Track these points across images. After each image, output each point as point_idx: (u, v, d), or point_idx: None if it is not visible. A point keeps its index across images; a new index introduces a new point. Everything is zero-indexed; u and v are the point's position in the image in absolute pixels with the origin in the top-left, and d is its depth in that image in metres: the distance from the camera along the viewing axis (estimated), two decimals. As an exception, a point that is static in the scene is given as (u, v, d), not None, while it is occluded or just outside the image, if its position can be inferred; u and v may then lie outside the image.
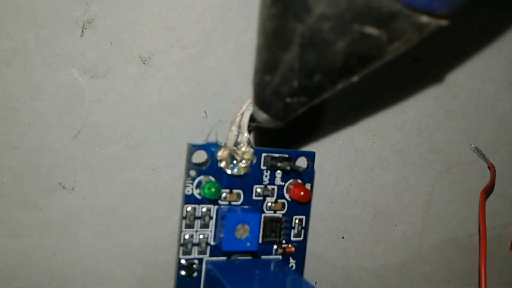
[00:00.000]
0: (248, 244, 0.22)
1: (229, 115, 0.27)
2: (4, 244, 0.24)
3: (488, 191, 0.32)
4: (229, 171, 0.23)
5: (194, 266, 0.23)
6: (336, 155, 0.30)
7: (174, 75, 0.26)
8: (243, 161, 0.23)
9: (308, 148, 0.29)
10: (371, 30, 0.14)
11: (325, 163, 0.30)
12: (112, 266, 0.26)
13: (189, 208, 0.23)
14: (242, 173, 0.23)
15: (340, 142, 0.30)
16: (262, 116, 0.21)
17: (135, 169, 0.26)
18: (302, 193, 0.24)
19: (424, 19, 0.14)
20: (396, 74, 0.31)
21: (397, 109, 0.31)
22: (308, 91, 0.18)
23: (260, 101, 0.21)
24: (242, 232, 0.22)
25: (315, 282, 0.30)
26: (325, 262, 0.31)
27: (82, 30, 0.24)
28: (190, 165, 0.22)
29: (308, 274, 0.30)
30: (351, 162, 0.30)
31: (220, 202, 0.23)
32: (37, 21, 0.23)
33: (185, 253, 0.23)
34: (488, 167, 0.33)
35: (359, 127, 0.30)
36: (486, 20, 0.33)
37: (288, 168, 0.23)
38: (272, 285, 0.21)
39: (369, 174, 0.31)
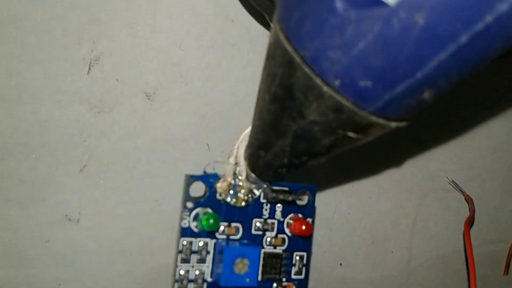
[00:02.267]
0: (248, 280, 0.21)
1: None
2: (11, 274, 0.25)
3: (470, 222, 0.32)
4: (228, 199, 0.22)
5: None
6: (335, 183, 0.31)
7: (178, 109, 0.27)
8: (242, 192, 0.23)
9: (307, 176, 0.30)
10: (351, 134, 0.17)
11: (324, 191, 0.30)
12: (116, 295, 0.26)
13: (185, 242, 0.22)
14: (240, 204, 0.22)
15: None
16: (252, 176, 0.23)
17: (139, 201, 0.26)
18: (303, 227, 0.23)
19: (394, 124, 0.17)
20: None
21: (391, 138, 0.32)
22: (296, 165, 0.20)
23: (252, 167, 0.22)
24: (241, 266, 0.21)
25: (314, 308, 0.31)
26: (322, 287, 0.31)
27: (89, 68, 0.25)
28: (187, 197, 0.22)
29: (307, 300, 0.31)
30: (349, 191, 0.31)
31: (218, 236, 0.22)
32: (45, 58, 0.24)
33: None
34: (466, 200, 0.34)
35: (355, 156, 0.31)
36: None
37: (290, 199, 0.23)
38: None
39: (367, 202, 0.32)
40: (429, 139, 0.33)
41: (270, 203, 0.23)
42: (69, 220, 0.25)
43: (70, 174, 0.25)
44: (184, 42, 0.26)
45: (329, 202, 0.31)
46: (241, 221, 0.23)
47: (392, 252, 0.33)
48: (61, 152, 0.25)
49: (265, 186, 0.23)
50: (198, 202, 0.22)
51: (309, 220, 0.24)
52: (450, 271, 0.35)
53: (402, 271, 0.33)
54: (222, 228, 0.22)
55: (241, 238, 0.22)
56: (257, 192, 0.23)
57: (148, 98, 0.26)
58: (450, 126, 0.33)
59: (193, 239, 0.22)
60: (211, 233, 0.22)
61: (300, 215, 0.24)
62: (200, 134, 0.27)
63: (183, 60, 0.26)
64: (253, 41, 0.27)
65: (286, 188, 0.23)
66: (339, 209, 0.31)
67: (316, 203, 0.30)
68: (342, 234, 0.31)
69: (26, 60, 0.24)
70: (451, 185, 0.33)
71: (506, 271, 0.37)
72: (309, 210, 0.24)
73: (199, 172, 0.25)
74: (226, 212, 0.22)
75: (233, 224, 0.22)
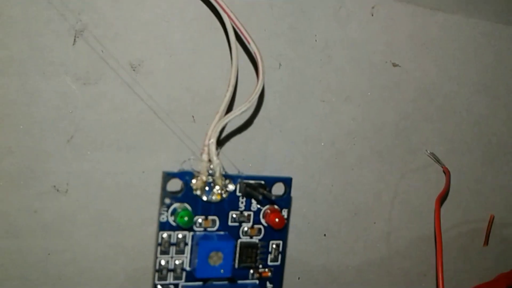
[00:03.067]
0: (222, 271, 0.22)
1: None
2: (0, 245, 0.25)
3: (443, 196, 0.33)
4: (204, 198, 0.23)
5: None
6: (318, 156, 0.31)
7: (163, 81, 0.27)
8: (217, 188, 0.23)
9: (292, 150, 0.30)
10: None
11: (308, 164, 0.31)
12: (105, 265, 0.27)
13: (164, 235, 0.23)
14: (217, 199, 0.23)
15: (322, 144, 0.31)
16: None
17: (126, 172, 0.27)
18: (276, 219, 0.24)
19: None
20: (376, 78, 0.32)
21: (376, 112, 0.33)
22: None
23: None
24: (216, 259, 0.22)
25: (298, 278, 0.32)
26: (308, 258, 0.32)
27: (74, 39, 0.25)
28: (164, 193, 0.23)
29: (291, 270, 0.32)
30: (332, 163, 0.32)
31: (195, 228, 0.23)
32: (31, 31, 0.24)
33: (160, 278, 0.23)
34: (444, 171, 0.35)
35: (340, 129, 0.32)
36: (462, 26, 0.34)
37: (261, 197, 0.24)
38: None
39: (350, 174, 0.32)
40: (411, 112, 0.34)
41: (245, 195, 0.24)
42: (58, 190, 0.26)
43: (57, 145, 0.25)
44: (168, 14, 0.27)
45: (313, 174, 0.31)
46: (218, 214, 0.23)
47: (375, 223, 0.34)
48: (48, 124, 0.25)
49: (240, 179, 0.23)
50: (175, 198, 0.23)
51: (285, 211, 0.24)
52: (429, 242, 0.36)
53: (383, 241, 0.34)
54: (199, 221, 0.23)
55: (218, 230, 0.23)
56: (231, 187, 0.23)
57: (134, 70, 0.26)
58: (432, 100, 0.34)
59: (171, 232, 0.23)
60: (187, 228, 0.23)
61: (276, 206, 0.24)
62: (185, 106, 0.27)
63: (168, 32, 0.27)
64: (238, 13, 0.28)
65: (262, 182, 0.24)
66: (323, 181, 0.32)
67: (300, 176, 0.31)
68: (326, 205, 0.32)
69: (11, 33, 0.24)
70: (430, 157, 0.34)
71: (486, 242, 0.38)
72: (285, 201, 0.24)
73: (187, 143, 0.25)
74: (202, 206, 0.23)
75: (210, 217, 0.23)
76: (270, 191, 0.24)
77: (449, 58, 0.34)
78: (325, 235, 0.32)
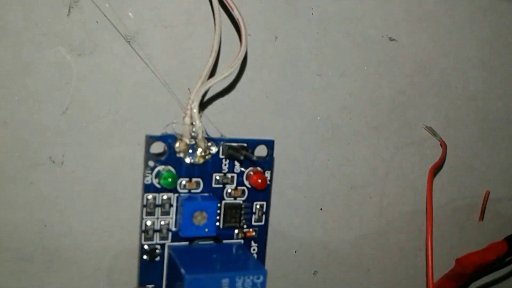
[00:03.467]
0: (206, 230, 0.23)
1: (211, 93, 0.28)
2: (-4, 216, 0.25)
3: (437, 168, 0.33)
4: (187, 160, 0.23)
5: (157, 251, 0.23)
6: (315, 131, 0.31)
7: (158, 53, 0.27)
8: (200, 150, 0.24)
9: (288, 124, 0.30)
10: None
11: (304, 138, 0.31)
12: (101, 237, 0.27)
13: (149, 197, 0.23)
14: (200, 162, 0.24)
15: (318, 118, 0.31)
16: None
17: (122, 144, 0.27)
18: (259, 180, 0.24)
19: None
20: (372, 53, 0.32)
21: (372, 86, 0.33)
22: None
23: None
24: (200, 219, 0.23)
25: (295, 251, 0.32)
26: (304, 233, 0.32)
27: (69, 10, 0.25)
28: (148, 156, 0.23)
29: (288, 244, 0.32)
30: (328, 137, 0.32)
31: (180, 190, 0.24)
32: (25, 1, 0.24)
33: (147, 239, 0.23)
34: (440, 145, 0.35)
35: (336, 103, 0.32)
36: (459, 0, 0.34)
37: (242, 157, 0.24)
38: (225, 267, 0.22)
39: (346, 149, 0.32)
40: (407, 87, 0.34)
41: (228, 158, 0.24)
42: (53, 162, 0.26)
43: (52, 117, 0.25)
44: (163, -15, 0.26)
45: (309, 149, 0.31)
46: (201, 176, 0.24)
47: (371, 197, 0.34)
48: (43, 95, 0.25)
49: (222, 142, 0.24)
50: (159, 161, 0.23)
51: (268, 173, 0.25)
52: (425, 217, 0.36)
53: (379, 216, 0.34)
54: (183, 183, 0.23)
55: (202, 192, 0.24)
56: (214, 149, 0.24)
57: (128, 42, 0.26)
58: (428, 75, 0.34)
59: (156, 194, 0.23)
60: (172, 189, 0.23)
61: (259, 168, 0.25)
62: (180, 78, 0.27)
63: (162, 4, 0.26)
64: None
65: (244, 144, 0.24)
66: (319, 156, 0.32)
67: (296, 150, 0.31)
68: (322, 180, 0.32)
69: (5, 3, 0.24)
70: (427, 131, 0.34)
71: (482, 217, 0.38)
72: (268, 163, 0.25)
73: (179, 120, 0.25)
74: (186, 169, 0.23)
75: (194, 180, 0.24)
76: (252, 153, 0.25)
77: (445, 33, 0.34)
78: (321, 209, 0.32)
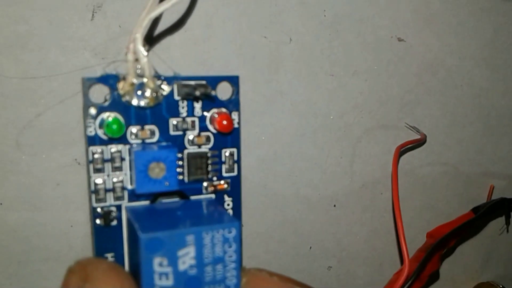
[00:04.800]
0: (167, 183, 0.19)
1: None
2: (25, 217, 0.25)
3: (401, 149, 0.33)
4: (135, 103, 0.20)
5: (112, 214, 0.20)
6: (328, 129, 0.32)
7: (179, 56, 0.27)
8: (149, 91, 0.20)
9: (303, 123, 0.31)
10: None
11: (317, 137, 0.32)
12: (125, 236, 0.28)
13: (94, 150, 0.20)
14: (151, 104, 0.20)
15: (331, 117, 0.32)
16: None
17: (144, 145, 0.27)
18: (224, 122, 0.21)
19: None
20: (382, 53, 0.33)
21: (382, 85, 0.33)
22: None
23: None
24: (158, 171, 0.19)
25: (310, 248, 0.33)
26: (318, 229, 0.33)
27: (92, 14, 0.25)
28: (88, 102, 0.20)
29: (303, 240, 0.33)
30: (341, 136, 0.33)
31: (131, 141, 0.20)
32: (50, 5, 0.25)
33: (99, 200, 0.20)
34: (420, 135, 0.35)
35: (348, 102, 0.32)
36: (463, 1, 0.35)
37: (198, 94, 0.20)
38: (189, 223, 0.18)
39: (357, 146, 0.33)
40: (415, 86, 0.35)
41: (186, 99, 0.21)
42: (79, 164, 0.26)
43: (77, 119, 0.26)
44: (183, -11, 0.27)
45: (323, 147, 0.32)
46: (156, 123, 0.20)
47: (381, 194, 0.35)
48: (68, 98, 0.25)
49: (176, 81, 0.20)
50: (102, 107, 0.20)
51: (235, 114, 0.21)
52: (434, 211, 0.37)
53: (390, 212, 0.35)
54: (134, 131, 0.20)
55: (159, 141, 0.21)
56: (166, 88, 0.20)
57: (150, 45, 0.27)
58: (435, 74, 0.35)
59: (103, 147, 0.20)
60: (122, 139, 0.20)
61: (223, 110, 0.22)
62: (164, 41, 0.27)
63: (182, 7, 0.27)
64: (249, -11, 0.28)
65: (203, 82, 0.21)
66: (332, 153, 0.33)
67: (310, 149, 0.32)
68: (335, 177, 0.33)
69: (31, 7, 0.24)
70: (409, 128, 0.35)
71: (486, 212, 0.39)
72: (234, 103, 0.22)
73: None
74: (136, 114, 0.20)
75: (147, 127, 0.20)
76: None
77: (450, 33, 0.35)
78: (334, 205, 0.33)
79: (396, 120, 0.34)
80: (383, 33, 0.33)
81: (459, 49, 0.36)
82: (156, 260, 0.16)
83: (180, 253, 0.17)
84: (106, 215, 0.20)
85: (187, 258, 0.17)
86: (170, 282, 0.17)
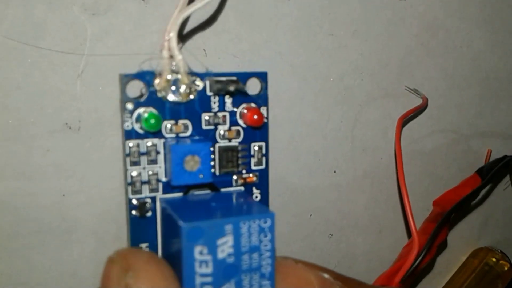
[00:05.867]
0: (201, 176, 0.20)
1: (227, 53, 0.27)
2: (13, 186, 0.24)
3: (405, 118, 0.33)
4: (170, 98, 0.21)
5: (147, 205, 0.21)
6: (328, 92, 0.31)
7: (173, 12, 0.26)
8: (183, 87, 0.21)
9: (302, 86, 0.30)
10: None
11: (318, 100, 0.31)
12: (120, 205, 0.26)
13: (131, 144, 0.21)
14: (185, 100, 0.21)
15: (331, 79, 0.31)
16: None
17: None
18: (255, 116, 0.21)
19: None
20: (382, 12, 0.32)
21: (382, 47, 0.32)
22: None
23: None
24: (193, 164, 0.20)
25: (310, 215, 0.32)
26: (319, 195, 0.32)
27: (81, -34, 0.24)
28: (125, 98, 0.20)
29: (304, 208, 0.32)
30: (341, 99, 0.31)
31: (166, 135, 0.21)
32: (34, -44, 0.23)
33: (135, 192, 0.21)
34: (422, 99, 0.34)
35: (348, 64, 0.31)
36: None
37: (232, 90, 0.21)
38: (227, 214, 0.19)
39: (358, 110, 0.32)
40: (415, 48, 0.34)
41: (217, 95, 0.22)
42: (70, 128, 0.24)
43: (67, 81, 0.24)
44: None
45: (323, 111, 0.31)
46: (189, 117, 0.21)
47: (381, 159, 0.34)
48: (57, 57, 0.24)
49: (208, 77, 0.21)
50: (138, 103, 0.20)
51: (264, 109, 0.22)
52: (435, 178, 0.37)
53: (389, 178, 0.35)
54: (169, 126, 0.21)
55: (191, 135, 0.21)
56: (200, 84, 0.21)
57: (143, 0, 0.25)
58: (435, 36, 0.34)
59: (139, 141, 0.21)
60: (157, 133, 0.21)
61: (253, 105, 0.22)
62: (196, 39, 0.26)
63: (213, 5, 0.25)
64: None
65: (234, 78, 0.22)
66: (332, 118, 0.31)
67: (310, 113, 0.31)
68: (335, 142, 0.32)
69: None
70: (409, 91, 0.34)
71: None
72: (262, 99, 0.22)
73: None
74: (170, 109, 0.21)
75: (181, 122, 0.21)
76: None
77: (450, -7, 0.34)
78: (335, 171, 0.32)
79: (396, 83, 0.33)
80: (384, -8, 0.32)
81: (458, 9, 0.35)
82: (197, 249, 0.17)
83: (219, 242, 0.18)
84: (141, 207, 0.21)
85: (225, 246, 0.18)
86: (209, 270, 0.17)
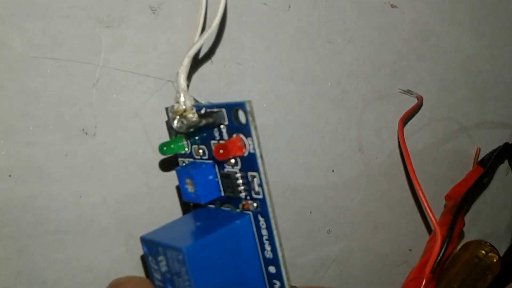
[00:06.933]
0: (195, 197, 0.23)
1: (232, 62, 0.29)
2: (33, 188, 0.25)
3: (406, 119, 0.35)
4: (174, 124, 0.23)
5: None
6: (326, 96, 0.33)
7: (182, 24, 0.27)
8: (189, 117, 0.22)
9: (301, 90, 0.32)
10: None
11: (316, 103, 0.32)
12: (133, 206, 0.28)
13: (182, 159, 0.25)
14: (183, 129, 0.22)
15: (329, 83, 0.33)
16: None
17: (150, 114, 0.27)
18: (220, 151, 0.21)
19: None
20: (376, 19, 0.34)
21: (376, 52, 0.34)
22: None
23: None
24: (190, 186, 0.23)
25: (310, 212, 0.34)
26: (317, 193, 0.34)
27: (95, -19, 0.25)
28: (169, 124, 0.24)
29: (304, 205, 0.33)
30: (338, 103, 0.33)
31: (195, 156, 0.24)
32: (52, -27, 0.24)
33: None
34: (417, 99, 0.36)
35: (344, 69, 0.33)
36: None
37: (204, 123, 0.22)
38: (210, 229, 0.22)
39: (354, 113, 0.34)
40: (406, 52, 0.35)
41: (213, 127, 0.23)
42: (86, 134, 0.26)
43: (83, 89, 0.26)
44: (185, -44, 0.27)
45: (321, 113, 0.33)
46: (204, 143, 0.24)
47: (376, 158, 0.36)
48: (73, 67, 0.25)
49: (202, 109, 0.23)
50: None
51: (249, 139, 0.21)
52: (425, 174, 0.38)
53: (385, 176, 0.36)
54: (201, 151, 0.24)
55: (209, 159, 0.24)
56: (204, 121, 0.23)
57: (153, 13, 0.27)
58: (425, 41, 0.36)
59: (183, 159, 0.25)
60: (189, 155, 0.25)
61: (241, 135, 0.22)
62: (203, 48, 0.28)
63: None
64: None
65: (223, 109, 0.22)
66: (330, 120, 0.33)
67: (309, 115, 0.32)
68: (333, 143, 0.34)
69: (31, -25, 0.24)
70: (403, 93, 0.36)
71: (472, 174, 0.41)
72: (246, 129, 0.21)
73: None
74: (191, 136, 0.24)
75: (201, 147, 0.24)
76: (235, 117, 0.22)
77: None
78: (333, 171, 0.34)
79: (389, 86, 0.35)
80: (377, 0, 0.33)
81: (448, 16, 0.37)
82: (150, 258, 0.22)
83: (159, 258, 0.22)
84: None
85: (162, 264, 0.22)
86: (159, 276, 0.22)
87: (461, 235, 0.40)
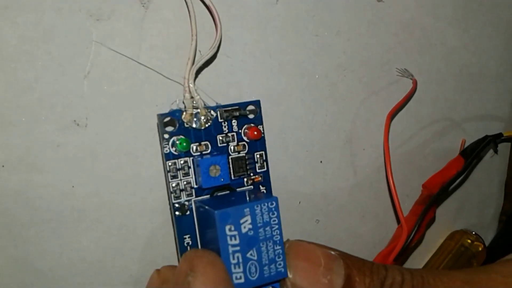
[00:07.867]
0: (222, 179, 0.27)
1: (220, 54, 0.30)
2: (26, 179, 0.26)
3: (394, 112, 0.36)
4: (194, 125, 0.27)
5: (186, 206, 0.27)
6: (314, 88, 0.33)
7: (172, 18, 0.28)
8: (202, 118, 0.27)
9: (290, 83, 0.32)
10: None
11: (304, 96, 0.33)
12: (125, 195, 0.28)
13: (170, 163, 0.26)
14: (203, 127, 0.27)
15: (317, 76, 0.33)
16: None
17: (141, 106, 0.28)
18: (255, 132, 0.28)
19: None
20: (363, 13, 0.34)
21: (363, 45, 0.35)
22: None
23: None
24: (215, 171, 0.27)
25: (299, 202, 0.34)
26: (307, 184, 0.35)
27: (86, -24, 0.26)
28: (162, 130, 0.26)
29: (293, 196, 0.34)
30: (326, 94, 0.34)
31: (193, 153, 0.27)
32: (43, -33, 0.25)
33: (176, 198, 0.27)
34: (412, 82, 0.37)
35: (332, 62, 0.34)
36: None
37: (238, 114, 0.28)
38: (243, 202, 0.25)
39: (341, 104, 0.35)
40: (393, 46, 0.36)
41: (226, 120, 0.28)
42: (78, 125, 0.27)
43: (75, 81, 0.26)
44: (174, -50, 0.27)
45: (310, 105, 0.33)
46: (208, 139, 0.27)
47: (364, 149, 0.37)
48: (65, 60, 0.26)
49: (218, 108, 0.27)
50: (172, 133, 0.26)
51: (260, 126, 0.29)
52: (412, 166, 0.39)
53: (371, 166, 0.37)
54: (194, 147, 0.27)
55: (211, 152, 0.27)
56: (213, 114, 0.27)
57: (143, 6, 0.27)
58: (411, 34, 0.37)
59: (175, 160, 0.26)
60: (187, 153, 0.27)
61: (252, 125, 0.28)
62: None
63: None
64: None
65: (236, 106, 0.28)
66: (318, 112, 0.34)
67: (297, 108, 0.33)
68: (321, 134, 0.34)
69: (23, -31, 0.24)
70: (401, 75, 0.37)
71: (458, 164, 0.41)
72: (258, 120, 0.29)
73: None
74: (194, 135, 0.27)
75: (203, 143, 0.27)
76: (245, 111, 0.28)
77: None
78: (321, 161, 0.35)
79: (376, 79, 0.36)
80: (364, -6, 0.34)
81: (433, 10, 0.37)
82: (227, 227, 0.23)
83: (241, 221, 0.24)
84: (182, 208, 0.26)
85: (246, 224, 0.24)
86: (237, 241, 0.23)
87: (432, 221, 0.41)
